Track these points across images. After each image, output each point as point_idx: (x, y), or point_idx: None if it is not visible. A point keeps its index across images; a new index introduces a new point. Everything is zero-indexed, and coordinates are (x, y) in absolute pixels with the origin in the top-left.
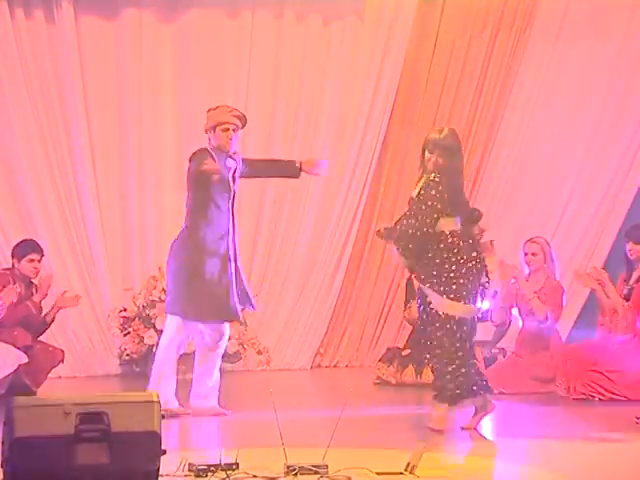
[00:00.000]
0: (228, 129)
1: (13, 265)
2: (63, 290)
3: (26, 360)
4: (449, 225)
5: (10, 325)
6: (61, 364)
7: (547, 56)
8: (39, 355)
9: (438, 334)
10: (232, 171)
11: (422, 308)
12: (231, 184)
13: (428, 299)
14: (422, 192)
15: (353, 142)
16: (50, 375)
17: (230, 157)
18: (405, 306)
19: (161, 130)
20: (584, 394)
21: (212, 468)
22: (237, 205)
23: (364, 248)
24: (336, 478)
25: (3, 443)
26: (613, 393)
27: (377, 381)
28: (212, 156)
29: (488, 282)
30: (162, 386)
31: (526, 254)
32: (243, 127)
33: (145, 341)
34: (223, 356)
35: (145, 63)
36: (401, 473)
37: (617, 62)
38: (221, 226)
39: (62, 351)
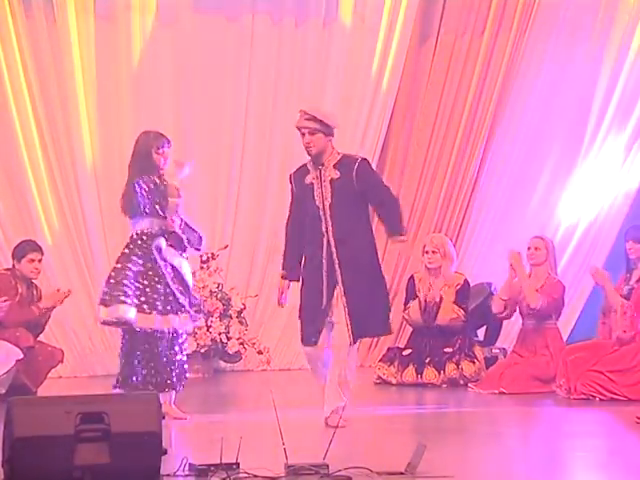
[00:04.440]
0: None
1: (13, 265)
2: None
3: (21, 355)
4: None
5: (13, 326)
6: (61, 364)
7: (547, 56)
8: (39, 355)
9: None
10: None
11: None
12: None
13: None
14: None
15: (354, 142)
16: (50, 375)
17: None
18: (405, 306)
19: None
20: (584, 394)
21: (212, 468)
22: (239, 205)
23: None
24: (336, 478)
25: (3, 443)
26: (614, 393)
27: (377, 381)
28: None
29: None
30: None
31: (529, 248)
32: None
33: None
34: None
35: (145, 65)
36: (401, 473)
37: (617, 62)
38: None
39: (62, 351)
